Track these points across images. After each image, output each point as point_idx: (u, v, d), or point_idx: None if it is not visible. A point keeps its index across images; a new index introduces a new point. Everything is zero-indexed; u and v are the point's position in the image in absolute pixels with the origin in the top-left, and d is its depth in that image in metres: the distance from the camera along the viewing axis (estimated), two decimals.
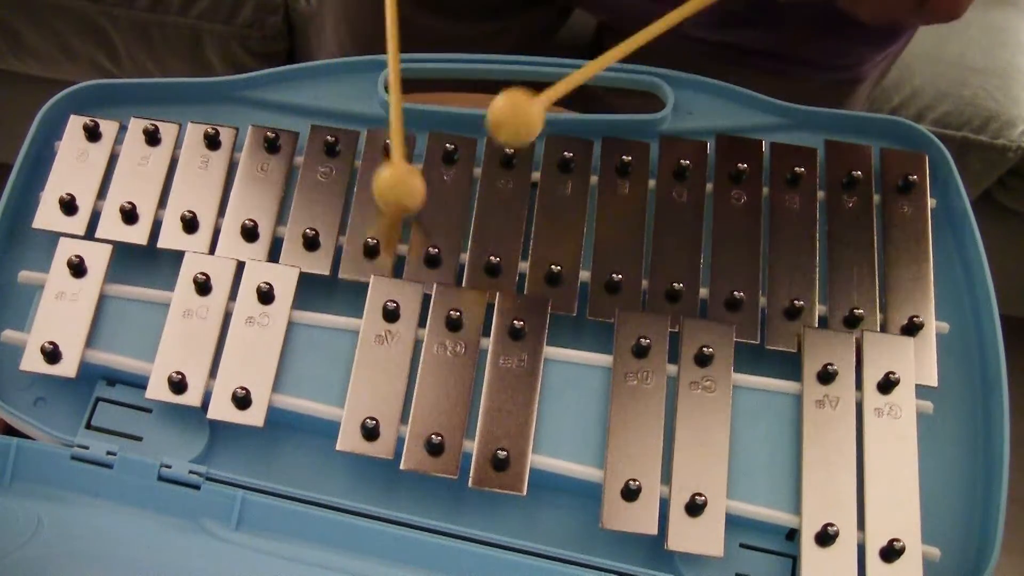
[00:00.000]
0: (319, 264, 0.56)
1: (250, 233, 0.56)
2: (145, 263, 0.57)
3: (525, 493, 0.50)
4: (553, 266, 0.55)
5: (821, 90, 0.76)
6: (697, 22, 0.71)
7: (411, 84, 0.64)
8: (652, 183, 0.59)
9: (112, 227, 0.56)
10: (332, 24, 0.87)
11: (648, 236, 0.58)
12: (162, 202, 0.57)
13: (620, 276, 0.56)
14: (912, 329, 0.56)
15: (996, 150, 1.11)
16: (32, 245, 0.58)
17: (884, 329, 0.56)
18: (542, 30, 0.85)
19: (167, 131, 0.59)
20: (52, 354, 0.52)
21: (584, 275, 0.56)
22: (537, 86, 0.66)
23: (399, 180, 0.46)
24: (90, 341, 0.53)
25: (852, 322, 0.56)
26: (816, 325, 0.56)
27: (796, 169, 0.59)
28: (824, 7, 0.69)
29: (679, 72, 0.63)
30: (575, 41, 0.92)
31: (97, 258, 0.55)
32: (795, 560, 0.51)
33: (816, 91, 0.76)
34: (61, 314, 0.53)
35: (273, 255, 0.56)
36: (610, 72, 0.63)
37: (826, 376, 0.53)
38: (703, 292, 0.56)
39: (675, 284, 0.56)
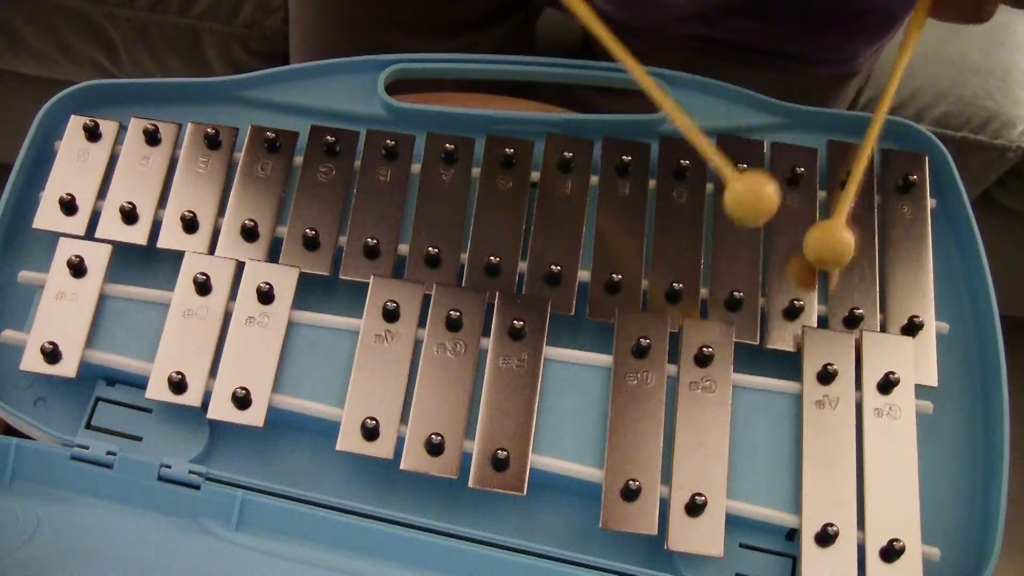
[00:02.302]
0: (319, 264, 0.56)
1: (250, 233, 0.56)
2: (145, 263, 0.57)
3: (525, 493, 0.50)
4: (553, 266, 0.55)
5: (814, 85, 0.76)
6: (695, 16, 0.71)
7: (411, 84, 0.64)
8: (652, 183, 0.59)
9: (112, 227, 0.56)
10: (294, 31, 0.88)
11: (648, 236, 0.58)
12: (162, 202, 0.57)
13: (620, 276, 0.56)
14: (912, 329, 0.56)
15: (996, 150, 1.11)
16: (32, 245, 0.58)
17: (884, 329, 0.56)
18: (509, 41, 0.87)
19: (167, 131, 0.59)
20: (52, 354, 0.52)
21: (584, 275, 0.57)
22: (535, 86, 0.66)
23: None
24: (90, 341, 0.53)
25: (852, 322, 0.56)
26: (816, 325, 0.56)
27: (796, 169, 0.59)
28: (821, 2, 0.69)
29: (679, 72, 0.63)
30: (564, 43, 0.92)
31: (97, 258, 0.55)
32: (795, 560, 0.51)
33: (809, 86, 0.76)
34: (61, 314, 0.53)
35: (273, 255, 0.56)
36: (610, 72, 0.63)
37: (826, 376, 0.53)
38: (703, 292, 0.56)
39: (675, 284, 0.56)
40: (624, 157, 0.59)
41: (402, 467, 0.51)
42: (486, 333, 0.54)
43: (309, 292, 0.56)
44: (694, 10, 0.70)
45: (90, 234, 0.56)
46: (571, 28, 0.91)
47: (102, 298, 0.54)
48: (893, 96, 0.52)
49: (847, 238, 0.48)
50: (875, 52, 0.77)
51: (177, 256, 0.55)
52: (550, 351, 0.54)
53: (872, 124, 0.52)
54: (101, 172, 0.58)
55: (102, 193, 0.57)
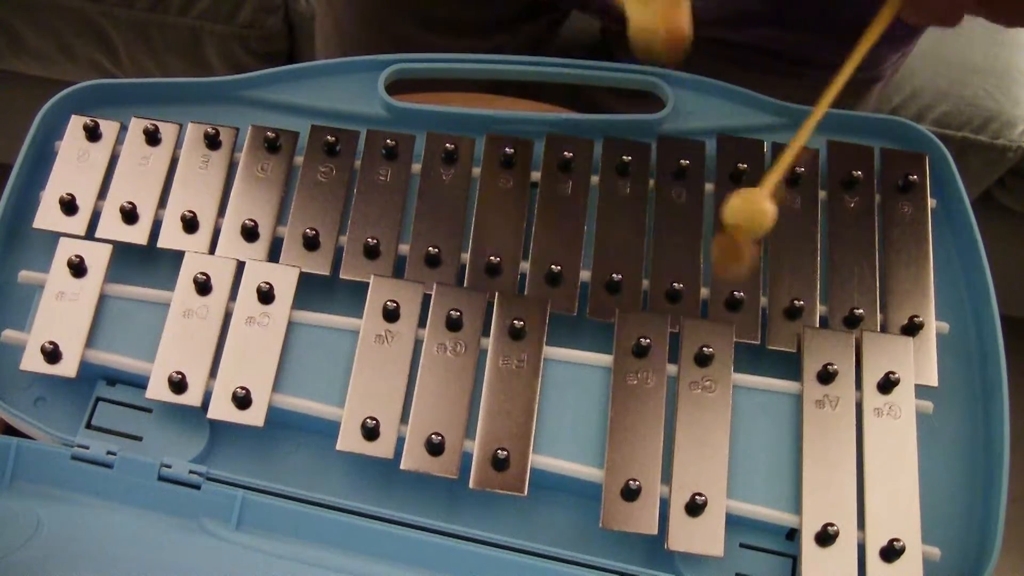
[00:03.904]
0: (319, 264, 0.56)
1: (250, 233, 0.56)
2: (145, 263, 0.57)
3: (526, 493, 0.50)
4: (553, 266, 0.55)
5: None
6: (715, 21, 0.71)
7: (412, 84, 0.64)
8: (652, 183, 0.59)
9: (112, 227, 0.56)
10: (320, 31, 0.88)
11: (648, 236, 0.58)
12: (162, 202, 0.57)
13: (620, 276, 0.56)
14: (912, 329, 0.56)
15: (996, 150, 1.11)
16: (32, 245, 0.58)
17: (884, 329, 0.56)
18: (537, 42, 0.86)
19: (167, 131, 0.59)
20: (52, 354, 0.52)
21: (584, 275, 0.57)
22: (537, 86, 0.66)
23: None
24: (90, 341, 0.53)
25: (852, 322, 0.56)
26: (816, 325, 0.56)
27: (797, 169, 0.59)
28: (846, 10, 0.69)
29: (679, 72, 0.63)
30: (579, 44, 0.92)
31: (97, 258, 0.55)
32: (795, 560, 0.51)
33: None
34: (61, 314, 0.53)
35: (273, 255, 0.56)
36: (610, 72, 0.63)
37: (826, 376, 0.53)
38: (703, 292, 0.56)
39: (675, 284, 0.56)
40: (624, 157, 0.59)
41: (402, 467, 0.51)
42: (486, 333, 0.54)
43: (309, 292, 0.56)
44: (714, 16, 0.70)
45: (90, 234, 0.56)
46: (589, 29, 0.91)
47: (102, 298, 0.54)
48: (844, 83, 0.52)
49: (766, 206, 0.49)
50: (900, 58, 0.76)
51: (177, 256, 0.55)
52: (550, 351, 0.54)
53: (820, 101, 0.52)
54: (101, 172, 0.58)
55: (102, 193, 0.57)
